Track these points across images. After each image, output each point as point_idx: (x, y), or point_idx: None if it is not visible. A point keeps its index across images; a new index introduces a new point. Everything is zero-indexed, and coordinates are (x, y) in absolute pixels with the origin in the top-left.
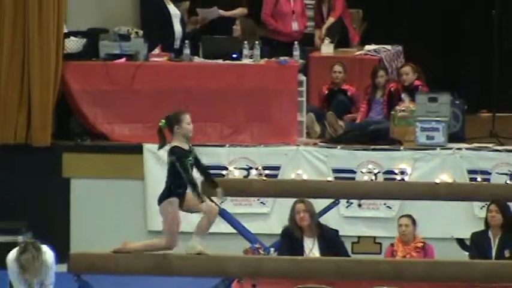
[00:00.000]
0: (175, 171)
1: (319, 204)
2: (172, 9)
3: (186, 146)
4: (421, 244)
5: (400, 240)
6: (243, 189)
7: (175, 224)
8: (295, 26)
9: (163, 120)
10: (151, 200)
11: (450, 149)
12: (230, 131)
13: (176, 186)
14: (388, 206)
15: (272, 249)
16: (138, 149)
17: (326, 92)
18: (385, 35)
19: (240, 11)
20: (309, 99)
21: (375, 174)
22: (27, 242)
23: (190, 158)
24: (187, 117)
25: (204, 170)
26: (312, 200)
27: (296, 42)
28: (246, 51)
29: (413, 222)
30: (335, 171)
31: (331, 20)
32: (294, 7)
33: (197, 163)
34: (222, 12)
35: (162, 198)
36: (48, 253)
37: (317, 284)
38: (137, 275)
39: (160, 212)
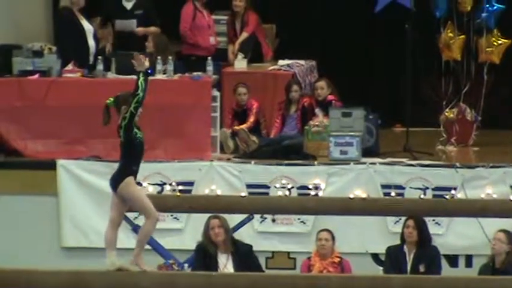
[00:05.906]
0: (130, 145)
1: (233, 219)
2: (86, 25)
3: None
4: (338, 259)
5: (318, 254)
6: (156, 204)
7: (143, 198)
8: (212, 40)
9: (111, 99)
10: (65, 216)
11: (364, 163)
12: (144, 147)
13: (130, 163)
14: (302, 221)
15: (186, 265)
16: (51, 165)
17: (233, 113)
18: (298, 50)
19: (154, 29)
20: (222, 114)
21: (289, 189)
22: None
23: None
24: None
25: None
26: (225, 216)
27: (209, 58)
28: (159, 67)
29: (333, 237)
30: (249, 186)
31: (244, 35)
32: (208, 21)
33: None
34: (136, 29)
35: (116, 182)
36: None
37: None
38: None
39: (123, 196)
